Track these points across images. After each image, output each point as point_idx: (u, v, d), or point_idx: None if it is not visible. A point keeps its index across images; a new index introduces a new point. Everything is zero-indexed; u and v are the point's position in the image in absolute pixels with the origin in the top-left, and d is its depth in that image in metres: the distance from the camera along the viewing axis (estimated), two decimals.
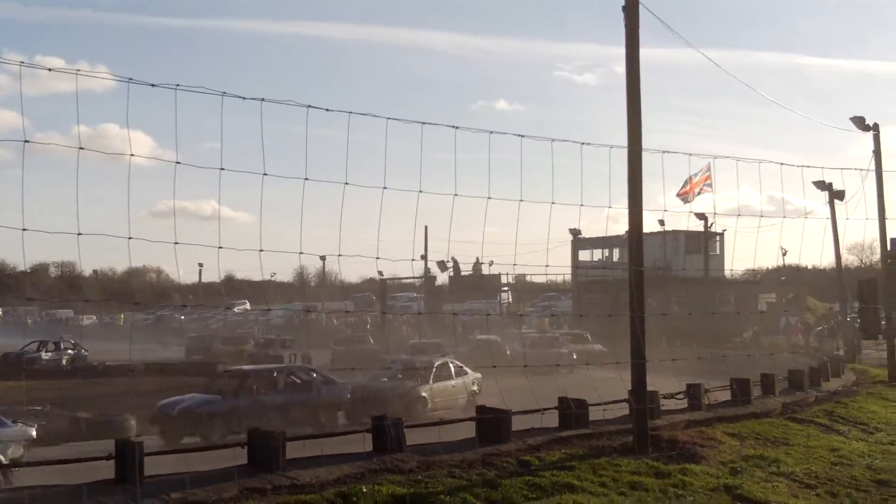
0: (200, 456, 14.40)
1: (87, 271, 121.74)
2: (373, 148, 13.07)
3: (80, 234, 6.99)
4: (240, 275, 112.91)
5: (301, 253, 9.69)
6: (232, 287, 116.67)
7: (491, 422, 16.03)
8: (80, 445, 23.41)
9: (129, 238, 7.62)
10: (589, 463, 14.58)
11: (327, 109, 9.59)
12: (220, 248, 8.29)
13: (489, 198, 12.05)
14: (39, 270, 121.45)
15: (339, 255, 9.58)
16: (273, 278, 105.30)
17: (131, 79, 6.85)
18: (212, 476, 12.50)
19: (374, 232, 11.77)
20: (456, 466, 13.91)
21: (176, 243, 7.75)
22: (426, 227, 72.93)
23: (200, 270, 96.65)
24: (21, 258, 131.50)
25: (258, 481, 12.24)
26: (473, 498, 12.16)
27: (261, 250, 8.52)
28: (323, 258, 79.48)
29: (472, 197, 11.90)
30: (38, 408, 31.61)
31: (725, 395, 22.96)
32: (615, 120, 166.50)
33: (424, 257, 75.18)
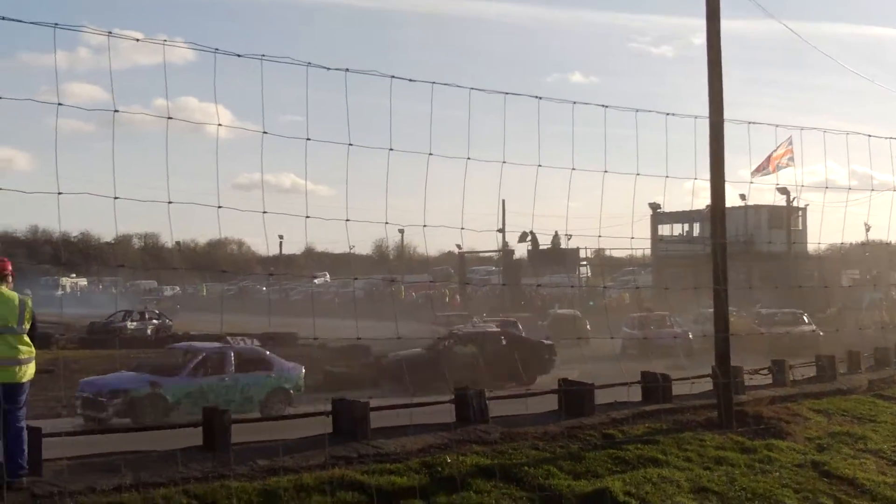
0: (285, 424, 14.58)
1: (170, 243, 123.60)
2: (452, 122, 13.05)
3: (170, 202, 7.08)
4: (320, 247, 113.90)
5: (386, 223, 9.69)
6: (312, 259, 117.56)
7: (574, 394, 16.00)
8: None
9: (219, 207, 7.68)
10: (673, 437, 14.51)
11: (411, 80, 9.56)
12: (307, 217, 8.32)
13: (573, 169, 11.96)
14: (123, 242, 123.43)
15: (424, 226, 9.54)
16: (352, 251, 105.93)
17: (217, 49, 6.88)
18: (297, 444, 12.66)
19: (453, 205, 11.77)
20: (539, 438, 13.93)
21: (264, 212, 7.80)
22: (503, 201, 72.91)
23: (281, 242, 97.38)
24: (106, 229, 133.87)
25: (344, 449, 12.37)
26: (557, 470, 12.16)
27: (347, 220, 8.53)
28: (402, 230, 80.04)
29: (555, 168, 11.82)
30: None
31: (811, 372, 22.68)
32: (693, 93, 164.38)
33: (502, 231, 75.06)
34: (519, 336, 37.38)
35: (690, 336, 39.67)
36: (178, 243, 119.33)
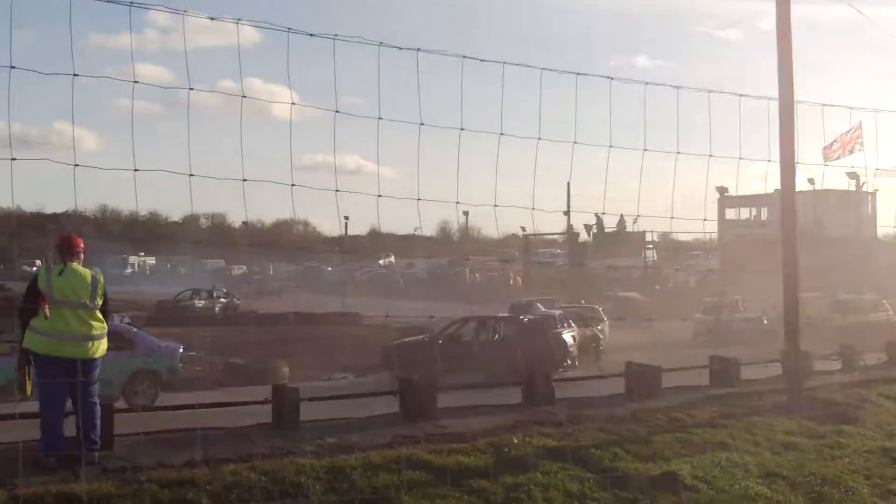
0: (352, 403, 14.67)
1: (237, 223, 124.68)
2: (521, 104, 12.96)
3: (245, 179, 7.12)
4: (385, 228, 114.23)
5: (458, 203, 9.65)
6: (377, 240, 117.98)
7: (641, 377, 15.93)
8: (234, 391, 24.03)
9: (292, 185, 7.72)
10: (742, 421, 14.37)
11: (482, 60, 9.52)
12: (378, 196, 8.31)
13: (645, 150, 11.85)
14: (191, 221, 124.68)
15: (496, 206, 9.48)
16: (417, 232, 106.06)
17: (290, 28, 6.88)
18: (364, 423, 12.74)
19: (519, 187, 11.70)
20: (606, 421, 13.88)
21: (337, 191, 7.82)
22: (568, 184, 72.54)
23: (346, 223, 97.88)
24: (173, 208, 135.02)
25: (410, 429, 12.44)
26: (624, 452, 12.10)
27: (419, 199, 8.51)
28: (466, 213, 79.90)
29: (626, 149, 11.71)
30: (193, 353, 32.61)
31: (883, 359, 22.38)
32: (759, 77, 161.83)
33: (567, 213, 74.78)
34: (533, 326, 30.94)
35: (765, 322, 38.72)
36: (244, 223, 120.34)
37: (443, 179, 9.72)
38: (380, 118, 7.93)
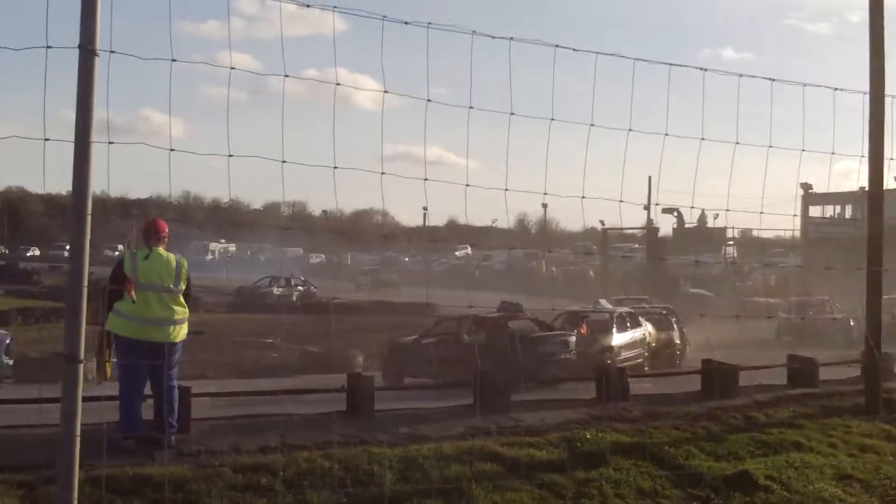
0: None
1: (317, 211, 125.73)
2: (611, 98, 12.86)
3: (335, 167, 7.13)
4: (462, 220, 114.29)
5: (545, 193, 9.58)
6: (455, 232, 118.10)
7: (717, 375, 15.79)
8: (309, 378, 24.22)
9: (382, 173, 7.73)
10: (818, 422, 14.16)
11: (574, 49, 9.40)
12: (467, 185, 8.28)
13: (737, 143, 11.66)
14: (272, 208, 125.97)
15: (583, 197, 9.37)
16: (494, 224, 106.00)
17: (385, 16, 6.88)
18: (437, 414, 12.81)
19: (601, 181, 11.60)
20: (680, 418, 13.78)
21: (426, 179, 7.82)
22: (650, 178, 71.83)
23: (425, 214, 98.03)
24: (254, 196, 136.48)
25: (483, 421, 12.45)
26: (698, 450, 12.00)
27: (506, 189, 8.46)
28: (545, 205, 79.79)
29: (719, 141, 11.53)
30: (270, 340, 32.98)
31: None
32: (849, 72, 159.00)
33: (647, 207, 74.14)
34: (494, 326, 26.30)
35: (852, 323, 37.30)
36: (324, 212, 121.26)
37: (523, 172, 9.64)
38: (470, 107, 7.89)
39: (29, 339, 32.43)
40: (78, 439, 5.34)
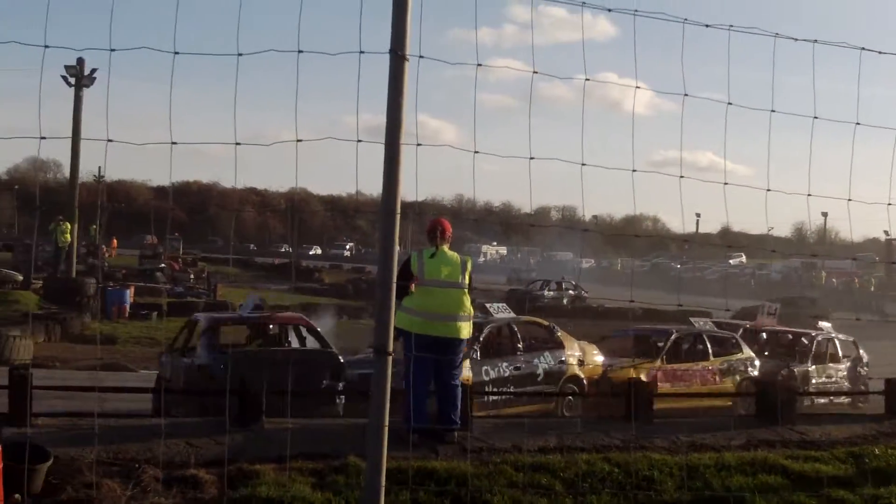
0: None
1: (587, 216, 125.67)
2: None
3: (634, 170, 7.07)
4: (737, 227, 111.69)
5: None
6: (729, 239, 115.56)
7: None
8: None
9: (681, 177, 7.61)
10: None
11: (879, 52, 8.95)
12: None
13: None
14: (542, 213, 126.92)
15: (849, 200, 8.88)
16: (770, 232, 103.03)
17: (686, 19, 6.77)
18: (719, 423, 12.64)
19: (884, 188, 10.98)
20: None
21: (725, 184, 7.63)
22: None
23: (697, 221, 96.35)
24: (525, 200, 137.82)
25: (766, 433, 12.17)
26: None
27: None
28: (825, 213, 76.81)
29: None
30: None
31: None
32: None
33: None
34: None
35: None
36: (594, 217, 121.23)
37: (799, 179, 9.29)
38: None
39: None
40: (386, 429, 5.53)
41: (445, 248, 11.11)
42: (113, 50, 5.91)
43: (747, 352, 22.52)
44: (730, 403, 18.61)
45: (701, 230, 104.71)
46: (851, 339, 26.08)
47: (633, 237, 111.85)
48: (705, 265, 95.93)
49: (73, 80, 42.50)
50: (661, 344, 21.47)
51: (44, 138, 5.92)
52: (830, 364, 24.53)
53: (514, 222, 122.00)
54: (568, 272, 78.95)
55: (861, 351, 25.71)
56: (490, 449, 10.60)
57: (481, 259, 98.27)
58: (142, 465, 9.28)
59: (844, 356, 25.32)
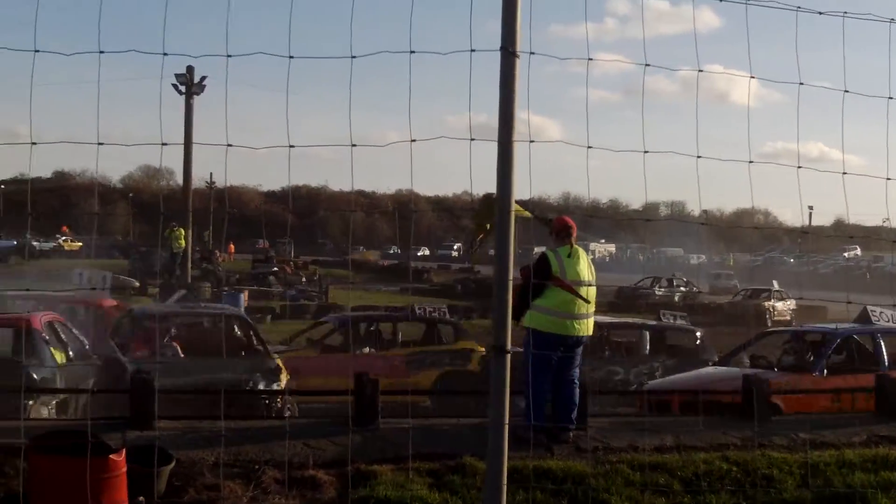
0: None
1: (696, 211, 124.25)
2: None
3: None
4: (852, 219, 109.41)
5: None
6: (843, 231, 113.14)
7: None
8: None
9: (798, 167, 7.41)
10: None
11: None
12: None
13: None
14: (650, 208, 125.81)
15: None
16: (885, 224, 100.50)
17: (799, 7, 6.62)
18: (839, 420, 12.48)
19: None
20: None
21: (844, 173, 7.39)
22: None
23: (811, 213, 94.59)
24: (634, 196, 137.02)
25: (888, 428, 11.96)
26: None
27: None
28: None
29: None
30: None
31: None
32: None
33: None
34: None
35: None
36: (704, 211, 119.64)
37: None
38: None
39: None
40: (506, 428, 5.56)
41: (577, 245, 11.12)
42: (230, 56, 6.01)
43: None
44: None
45: (813, 222, 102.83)
46: None
47: (746, 230, 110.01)
48: (818, 259, 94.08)
49: (183, 88, 43.50)
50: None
51: (165, 144, 6.05)
52: None
53: (635, 218, 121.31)
54: (678, 268, 78.07)
55: None
56: (606, 448, 10.57)
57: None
58: (262, 467, 9.44)
59: None
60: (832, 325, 18.45)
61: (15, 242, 71.38)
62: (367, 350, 22.10)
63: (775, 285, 54.27)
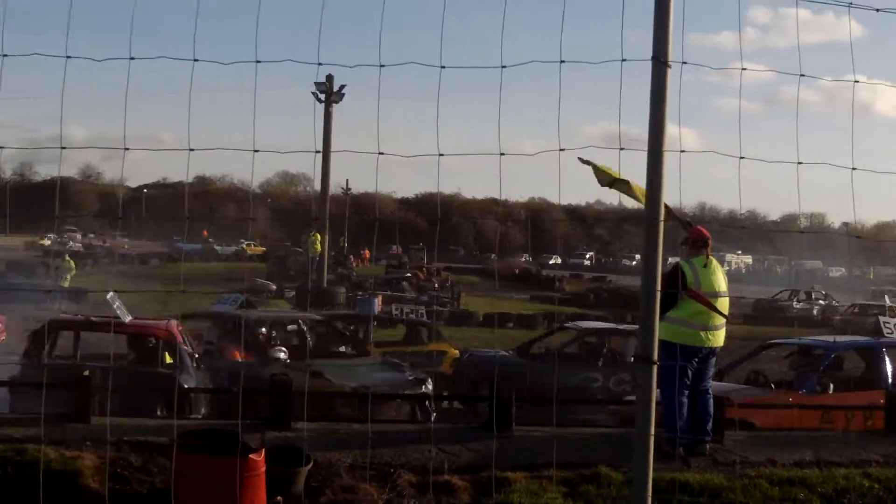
0: None
1: (836, 223, 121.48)
2: None
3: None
4: None
5: None
6: None
7: None
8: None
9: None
10: None
11: None
12: None
13: None
14: (789, 220, 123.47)
15: None
16: None
17: None
18: None
19: None
20: None
21: None
22: None
23: None
24: (774, 206, 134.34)
25: None
26: None
27: None
28: None
29: None
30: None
31: None
32: None
33: None
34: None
35: None
36: (845, 224, 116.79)
37: None
38: None
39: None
40: (652, 439, 5.55)
41: (711, 256, 11.03)
42: (382, 66, 6.11)
43: None
44: None
45: None
46: None
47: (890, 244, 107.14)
48: None
49: (322, 97, 44.25)
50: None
51: (318, 152, 6.19)
52: None
53: (780, 230, 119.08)
54: (817, 281, 76.38)
55: None
56: (743, 462, 10.40)
57: (725, 268, 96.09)
58: (397, 470, 9.54)
59: None
60: (830, 339, 17.60)
61: (200, 246, 74.38)
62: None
63: (887, 301, 51.57)
